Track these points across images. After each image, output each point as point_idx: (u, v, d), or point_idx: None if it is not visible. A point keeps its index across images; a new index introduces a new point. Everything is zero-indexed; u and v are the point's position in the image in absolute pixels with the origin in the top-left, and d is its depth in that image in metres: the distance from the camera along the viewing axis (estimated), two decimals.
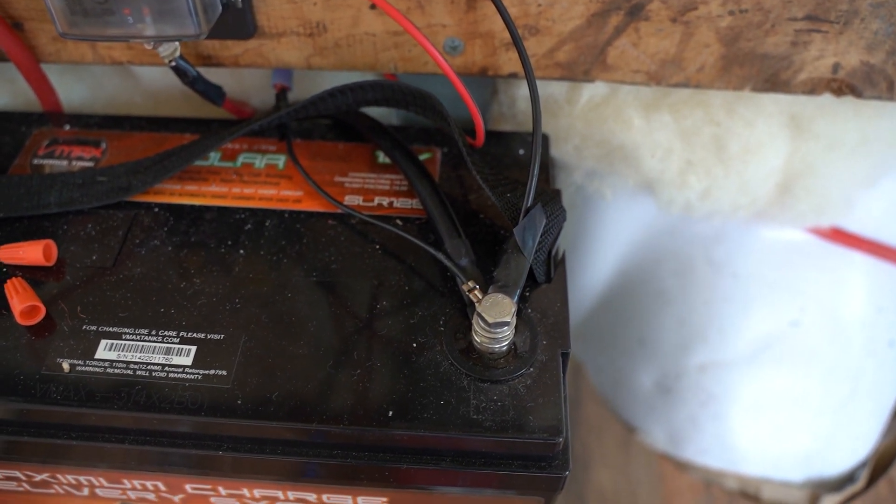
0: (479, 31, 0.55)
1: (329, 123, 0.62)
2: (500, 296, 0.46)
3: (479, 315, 0.46)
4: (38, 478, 0.53)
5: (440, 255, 0.50)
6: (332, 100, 0.55)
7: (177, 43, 0.54)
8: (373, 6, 0.54)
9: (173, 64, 0.55)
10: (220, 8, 0.53)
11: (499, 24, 0.55)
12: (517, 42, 0.49)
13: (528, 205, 0.49)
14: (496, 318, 0.45)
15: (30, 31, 0.57)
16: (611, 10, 0.53)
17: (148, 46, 0.54)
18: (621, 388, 0.80)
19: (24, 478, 0.53)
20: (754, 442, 0.74)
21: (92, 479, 0.52)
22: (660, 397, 0.76)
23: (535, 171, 0.49)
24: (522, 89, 0.63)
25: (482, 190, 0.57)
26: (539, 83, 0.62)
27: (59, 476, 0.53)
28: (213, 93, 0.58)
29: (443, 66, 0.50)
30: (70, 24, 0.51)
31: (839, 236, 0.69)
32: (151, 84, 0.66)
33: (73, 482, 0.53)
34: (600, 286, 0.77)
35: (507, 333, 0.47)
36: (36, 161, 0.59)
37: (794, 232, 0.69)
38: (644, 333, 0.76)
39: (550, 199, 0.51)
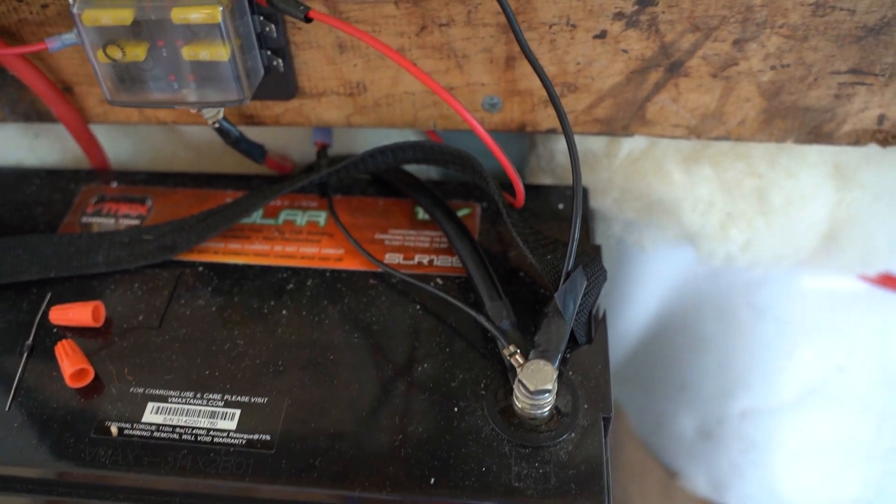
0: (517, 89, 0.55)
1: (368, 179, 0.62)
2: (542, 362, 0.46)
3: (521, 382, 0.46)
4: None
5: (481, 318, 0.50)
6: (373, 160, 0.55)
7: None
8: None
9: (217, 125, 0.56)
10: (263, 72, 0.54)
11: (537, 81, 0.55)
12: (556, 105, 0.49)
13: (569, 268, 0.49)
14: (537, 386, 0.45)
15: (79, 94, 0.59)
16: (650, 68, 0.53)
17: (192, 111, 0.55)
18: (662, 433, 0.79)
19: None
20: (800, 490, 0.73)
21: None
22: (701, 443, 0.75)
23: (576, 235, 0.49)
24: (561, 143, 0.63)
25: None
26: (578, 137, 0.62)
27: None
28: (254, 151, 0.59)
29: (477, 129, 0.50)
30: (117, 91, 0.53)
31: (887, 281, 0.68)
32: (194, 138, 0.67)
33: None
34: (640, 331, 0.76)
35: (549, 400, 0.46)
36: (85, 219, 0.61)
37: (839, 278, 0.68)
38: (685, 378, 0.75)
39: (591, 259, 0.51)
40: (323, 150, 0.61)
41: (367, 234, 0.58)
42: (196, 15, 0.48)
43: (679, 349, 0.75)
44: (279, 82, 0.56)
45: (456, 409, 0.49)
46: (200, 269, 0.57)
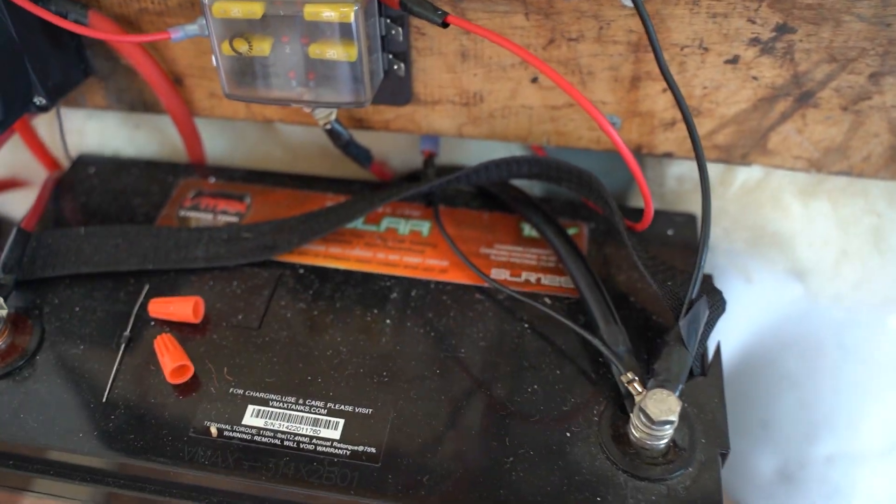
0: (638, 110, 0.54)
1: (472, 191, 0.61)
2: (666, 392, 0.44)
3: (643, 411, 0.44)
4: None
5: (596, 342, 0.49)
6: (486, 172, 0.54)
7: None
8: (534, 80, 0.53)
9: (329, 127, 0.55)
10: (382, 75, 0.53)
11: (660, 104, 0.53)
12: (692, 131, 0.47)
13: (693, 297, 0.48)
14: (661, 417, 0.43)
15: (188, 87, 0.58)
16: (779, 97, 0.52)
17: (307, 110, 0.54)
18: (739, 472, 0.77)
19: None
20: None
21: None
22: (781, 485, 0.73)
23: (702, 263, 0.47)
24: (672, 168, 0.62)
25: (632, 271, 0.55)
26: (691, 164, 0.61)
27: None
28: (361, 156, 0.58)
29: (620, 148, 0.48)
30: (235, 85, 0.52)
31: None
32: (291, 138, 0.67)
33: None
34: (724, 364, 0.74)
35: (669, 431, 0.45)
36: (182, 213, 0.60)
37: None
38: (767, 417, 0.73)
39: (712, 289, 0.50)
40: (430, 159, 0.60)
41: (472, 247, 0.57)
42: (329, 13, 0.47)
43: (762, 386, 0.72)
44: (396, 87, 0.55)
45: (568, 435, 0.47)
46: (301, 271, 0.56)
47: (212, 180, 0.62)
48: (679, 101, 0.48)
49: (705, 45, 0.50)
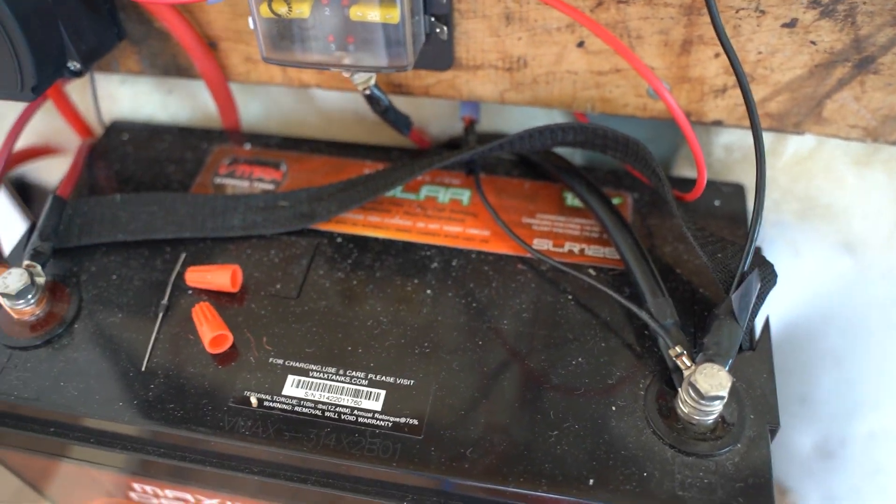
0: (688, 76, 0.52)
1: (513, 160, 0.60)
2: (716, 367, 0.43)
3: (692, 385, 0.43)
4: (208, 503, 0.53)
5: (643, 315, 0.48)
6: (531, 140, 0.52)
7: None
8: (580, 44, 0.52)
9: (368, 92, 0.54)
10: (424, 39, 0.51)
11: (711, 70, 0.52)
12: (748, 97, 0.45)
13: (745, 269, 0.46)
14: (712, 392, 0.42)
15: (223, 51, 0.57)
16: (837, 62, 0.50)
17: (346, 74, 0.53)
18: (777, 448, 0.76)
19: (193, 501, 0.53)
20: None
21: None
22: (820, 461, 0.72)
23: (755, 235, 0.46)
24: (720, 136, 0.60)
25: (677, 243, 0.54)
26: (741, 133, 0.59)
27: None
28: (401, 122, 0.56)
29: (676, 114, 0.47)
30: (272, 48, 0.51)
31: None
32: (326, 105, 0.65)
33: None
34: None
35: (719, 407, 0.43)
36: (218, 180, 0.59)
37: None
38: (806, 392, 0.72)
39: (763, 261, 0.48)
40: (471, 125, 0.59)
41: (514, 217, 0.55)
42: None
43: (802, 361, 0.71)
44: (437, 51, 0.53)
45: (613, 409, 0.46)
46: (339, 240, 0.55)
47: (247, 147, 0.61)
48: (735, 67, 0.46)
49: (762, 8, 0.48)
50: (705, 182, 0.49)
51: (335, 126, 0.66)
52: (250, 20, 0.51)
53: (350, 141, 0.63)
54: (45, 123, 0.68)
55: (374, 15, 0.47)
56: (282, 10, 0.47)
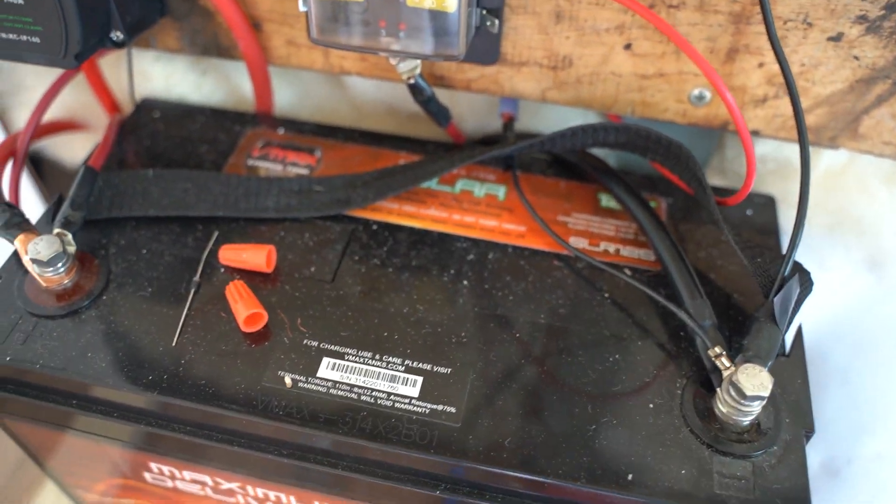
0: (730, 85, 0.53)
1: (547, 159, 0.60)
2: (758, 367, 0.43)
3: (734, 384, 0.43)
4: (226, 486, 0.52)
5: (682, 315, 0.48)
6: (572, 138, 0.53)
7: (418, 60, 0.53)
8: (628, 46, 0.52)
9: (412, 81, 0.54)
10: (474, 32, 0.52)
11: (753, 79, 0.52)
12: (797, 109, 0.46)
13: (786, 274, 0.47)
14: (754, 391, 0.42)
15: (267, 33, 0.57)
16: (878, 78, 0.51)
17: (392, 61, 0.53)
18: None
19: (211, 483, 0.52)
20: None
21: (282, 496, 0.51)
22: (826, 479, 0.72)
23: (798, 241, 0.46)
24: (758, 147, 0.60)
25: (712, 248, 0.54)
26: (775, 144, 0.60)
27: (248, 488, 0.51)
28: (441, 114, 0.56)
29: (737, 120, 0.47)
30: (323, 30, 0.50)
31: None
32: (359, 95, 0.65)
33: (262, 496, 0.51)
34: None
35: (758, 407, 0.44)
36: (251, 162, 0.59)
37: None
38: (814, 409, 0.72)
39: (801, 268, 0.48)
40: (510, 122, 0.59)
41: (550, 214, 0.55)
42: None
43: (812, 379, 0.72)
44: (485, 45, 0.53)
45: (651, 406, 0.46)
46: (374, 227, 0.54)
47: (281, 131, 0.61)
48: (787, 78, 0.46)
49: (809, 20, 0.49)
50: (750, 189, 0.49)
51: (366, 117, 0.66)
52: (301, 1, 0.51)
53: (384, 131, 0.62)
54: (72, 97, 0.67)
55: (430, 2, 0.47)
56: None
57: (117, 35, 0.53)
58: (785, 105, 0.53)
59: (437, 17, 0.48)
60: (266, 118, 0.63)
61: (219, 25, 0.57)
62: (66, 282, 0.50)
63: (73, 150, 0.73)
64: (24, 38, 0.50)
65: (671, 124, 0.56)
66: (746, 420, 0.44)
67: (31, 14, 0.49)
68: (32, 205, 0.58)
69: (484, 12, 0.51)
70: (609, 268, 0.51)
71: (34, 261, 0.49)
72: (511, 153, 0.55)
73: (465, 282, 0.51)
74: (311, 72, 0.62)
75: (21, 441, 0.56)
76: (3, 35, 0.50)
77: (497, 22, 0.51)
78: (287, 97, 0.66)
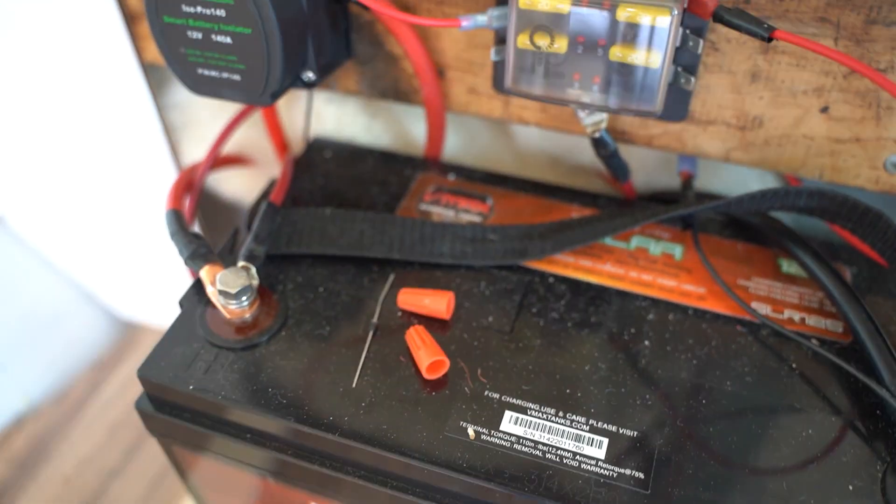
0: None
1: (723, 220, 0.58)
2: None
3: None
4: None
5: (883, 393, 0.45)
6: (762, 200, 0.51)
7: (606, 114, 0.52)
8: (825, 109, 0.51)
9: (597, 135, 0.53)
10: (667, 88, 0.51)
11: None
12: None
13: None
14: None
15: (449, 80, 0.57)
16: None
17: (581, 114, 0.52)
18: None
19: None
20: None
21: None
22: None
23: None
24: None
25: None
26: None
27: None
28: (621, 170, 0.56)
29: None
30: (517, 80, 0.51)
31: None
32: (522, 145, 0.65)
33: None
34: None
35: None
36: (423, 206, 0.59)
37: None
38: None
39: None
40: (688, 180, 0.58)
41: (729, 278, 0.54)
42: (646, 16, 0.45)
43: None
44: (675, 102, 0.53)
45: (850, 488, 0.43)
46: (551, 280, 0.54)
47: (451, 177, 0.61)
48: None
49: None
50: None
51: (529, 167, 0.66)
52: (493, 51, 0.52)
53: (547, 182, 0.62)
54: (242, 134, 0.69)
55: (635, 57, 0.47)
56: (543, 42, 0.48)
57: (308, 76, 0.54)
58: None
59: (640, 72, 0.48)
60: (435, 163, 0.63)
61: (401, 71, 0.58)
62: (247, 315, 0.51)
63: (230, 184, 0.75)
64: (226, 75, 0.52)
65: (860, 190, 0.54)
66: None
67: (237, 53, 0.50)
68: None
69: (680, 69, 0.51)
70: (797, 336, 0.49)
71: (222, 292, 0.50)
72: (691, 213, 0.53)
73: (647, 342, 0.50)
74: (479, 119, 0.63)
75: (181, 468, 0.57)
76: (206, 72, 0.52)
77: (693, 79, 0.50)
78: (452, 143, 0.66)
